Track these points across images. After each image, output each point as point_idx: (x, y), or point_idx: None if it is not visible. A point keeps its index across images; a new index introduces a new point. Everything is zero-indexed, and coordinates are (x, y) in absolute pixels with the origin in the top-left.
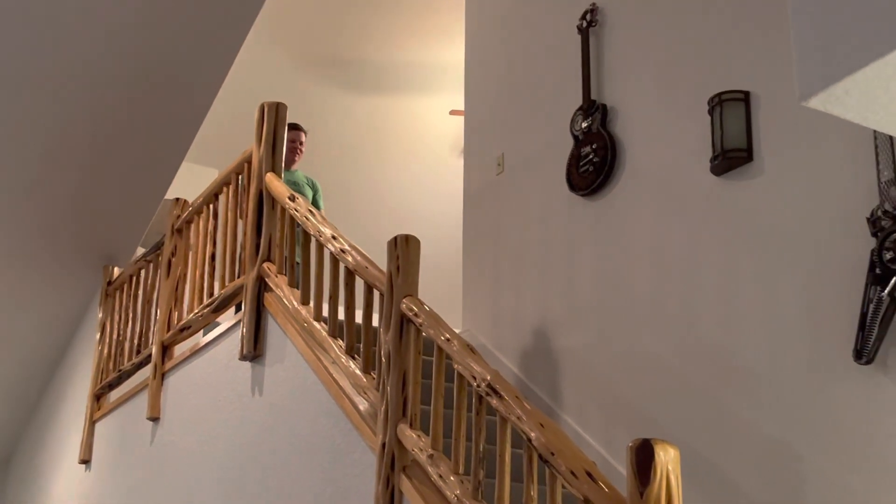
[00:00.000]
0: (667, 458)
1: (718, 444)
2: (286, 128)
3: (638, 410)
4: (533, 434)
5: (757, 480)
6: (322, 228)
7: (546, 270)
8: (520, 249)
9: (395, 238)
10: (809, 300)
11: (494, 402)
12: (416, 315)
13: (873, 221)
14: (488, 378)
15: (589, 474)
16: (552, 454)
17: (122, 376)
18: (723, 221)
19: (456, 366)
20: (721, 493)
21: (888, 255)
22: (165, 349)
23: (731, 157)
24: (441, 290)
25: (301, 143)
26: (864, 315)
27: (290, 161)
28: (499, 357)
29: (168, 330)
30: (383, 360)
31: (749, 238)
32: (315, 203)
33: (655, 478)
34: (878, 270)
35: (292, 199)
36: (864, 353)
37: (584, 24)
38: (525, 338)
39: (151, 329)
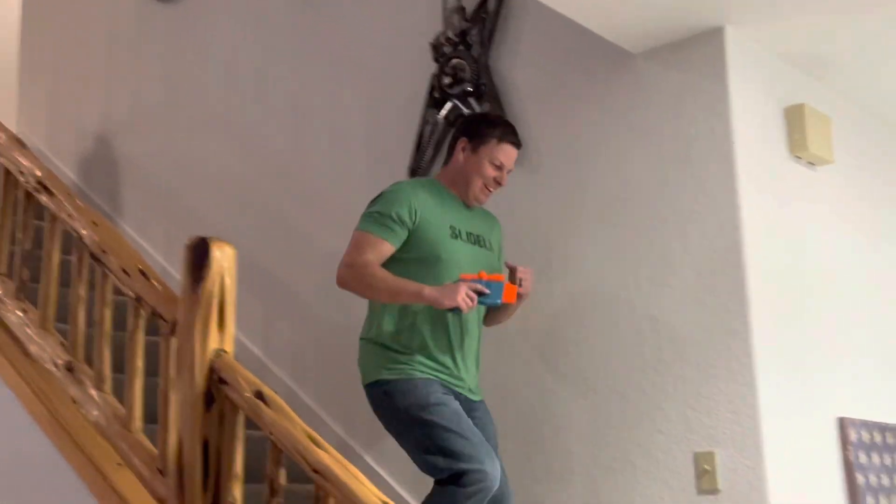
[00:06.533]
0: (223, 257)
1: (281, 256)
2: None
3: (202, 221)
4: (84, 232)
5: (312, 290)
6: None
7: (111, 76)
8: (83, 52)
9: None
10: (373, 121)
11: (44, 198)
12: None
13: (436, 47)
14: (38, 173)
15: (142, 272)
16: (104, 252)
17: None
18: (297, 41)
19: (1, 160)
20: (279, 300)
21: (446, 80)
22: None
23: None
24: None
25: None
26: (420, 136)
27: (483, 193)
28: (55, 162)
29: None
30: None
31: (321, 59)
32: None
33: (209, 275)
34: (436, 94)
35: None
36: (417, 171)
37: None
38: (85, 144)
39: None
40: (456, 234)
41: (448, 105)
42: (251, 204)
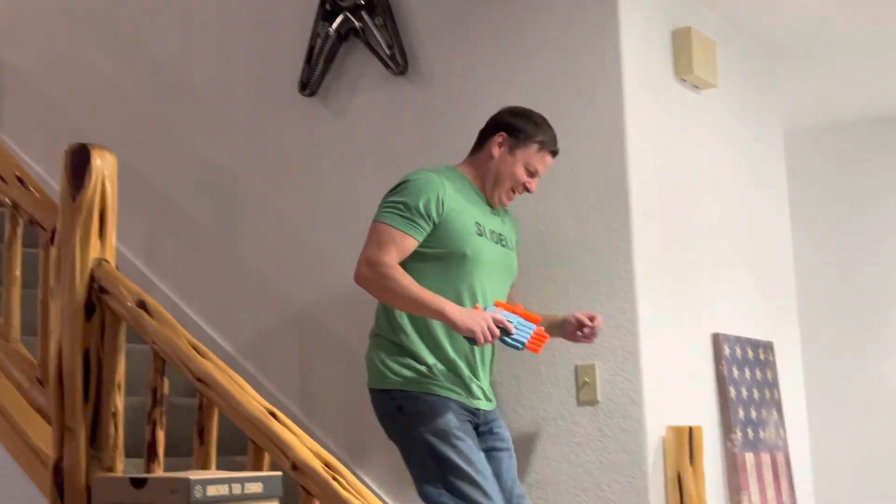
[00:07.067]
0: (103, 164)
1: (163, 166)
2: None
3: (85, 132)
4: None
5: (196, 200)
6: None
7: None
8: None
9: None
10: (262, 32)
11: None
12: None
13: None
14: None
15: (19, 179)
16: None
17: None
18: None
19: None
20: (164, 215)
21: None
22: None
23: None
24: None
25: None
26: (311, 49)
27: (508, 197)
28: None
29: None
30: None
31: None
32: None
33: (90, 182)
34: (328, 7)
35: None
36: (308, 85)
37: None
38: None
39: None
40: (481, 232)
41: (339, 18)
42: (136, 116)
